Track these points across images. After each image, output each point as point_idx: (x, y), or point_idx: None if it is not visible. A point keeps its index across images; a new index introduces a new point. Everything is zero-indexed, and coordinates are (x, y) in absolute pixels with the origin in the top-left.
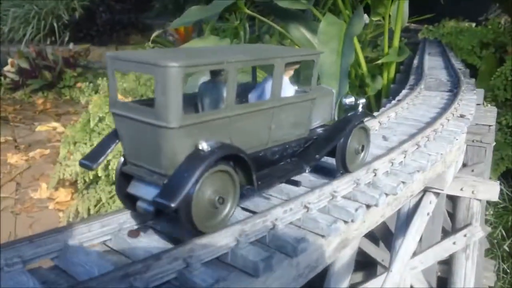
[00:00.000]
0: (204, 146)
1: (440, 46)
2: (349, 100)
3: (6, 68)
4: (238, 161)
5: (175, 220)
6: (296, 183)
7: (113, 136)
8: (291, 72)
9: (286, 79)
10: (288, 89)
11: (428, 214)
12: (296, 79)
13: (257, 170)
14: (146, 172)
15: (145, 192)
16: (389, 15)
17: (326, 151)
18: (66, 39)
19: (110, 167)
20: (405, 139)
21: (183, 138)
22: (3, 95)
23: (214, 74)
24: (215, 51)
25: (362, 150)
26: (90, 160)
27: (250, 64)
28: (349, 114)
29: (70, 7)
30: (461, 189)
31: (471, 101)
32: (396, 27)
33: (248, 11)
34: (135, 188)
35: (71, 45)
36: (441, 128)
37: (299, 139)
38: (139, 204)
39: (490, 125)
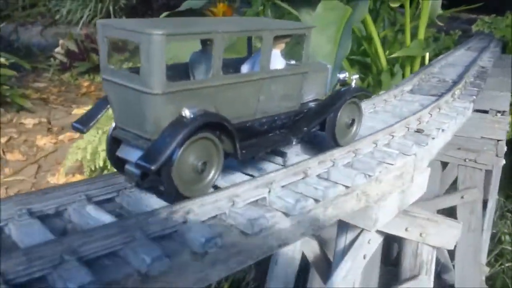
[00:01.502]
0: (186, 113)
1: (491, 41)
2: (343, 75)
3: (56, 50)
4: (223, 130)
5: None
6: (282, 154)
7: (105, 101)
8: (283, 46)
9: (277, 52)
10: (278, 62)
11: (364, 256)
12: (291, 53)
13: (244, 140)
14: (133, 137)
15: (132, 155)
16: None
17: (315, 125)
18: None
19: None
20: (299, 162)
21: (167, 104)
22: (52, 77)
23: (205, 44)
24: (205, 22)
25: (352, 125)
26: (81, 123)
27: (237, 35)
28: (341, 89)
29: None
30: (406, 229)
31: (457, 111)
32: (421, 17)
33: None
34: (123, 152)
35: None
36: (372, 148)
37: (289, 112)
38: (127, 167)
39: (499, 140)
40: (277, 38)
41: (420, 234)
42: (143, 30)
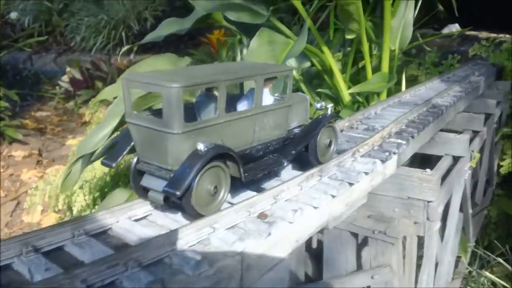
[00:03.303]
0: (201, 147)
1: (483, 68)
2: (320, 104)
3: (63, 78)
4: (229, 158)
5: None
6: (277, 174)
7: (128, 139)
8: (271, 85)
9: (266, 90)
10: (268, 98)
11: None
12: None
13: (244, 165)
14: (156, 169)
15: (155, 184)
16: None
17: (301, 148)
18: (135, 49)
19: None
20: None
21: (185, 141)
22: (57, 105)
23: (208, 89)
24: (208, 72)
25: (330, 145)
26: (109, 159)
27: (237, 82)
28: (319, 116)
29: (141, 17)
30: None
31: (348, 177)
32: (384, 47)
33: (227, 24)
34: (147, 181)
35: (131, 56)
36: (171, 251)
37: (278, 138)
38: (151, 194)
39: (428, 201)
40: (267, 80)
41: None
42: (164, 84)
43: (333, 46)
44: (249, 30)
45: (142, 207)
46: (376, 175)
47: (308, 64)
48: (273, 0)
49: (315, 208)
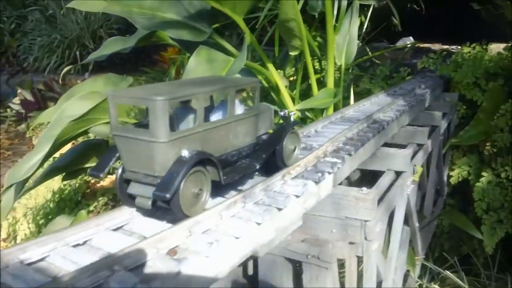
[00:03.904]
0: (185, 153)
1: (430, 80)
2: (283, 112)
3: (14, 100)
4: (209, 163)
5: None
6: (251, 176)
7: (113, 150)
8: (241, 96)
9: (237, 101)
10: (239, 108)
11: None
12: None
13: (222, 169)
14: (143, 176)
15: (143, 190)
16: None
17: (270, 152)
18: (90, 67)
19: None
20: None
21: (170, 149)
22: (9, 128)
23: (184, 102)
24: (186, 86)
25: (295, 149)
26: (97, 170)
27: (212, 93)
28: (284, 124)
29: (97, 36)
30: None
31: (275, 202)
32: (328, 63)
33: (172, 42)
34: (134, 189)
35: (86, 75)
36: None
37: (249, 145)
38: (138, 200)
39: (365, 220)
40: (237, 91)
41: None
42: (150, 98)
43: (290, 61)
44: (193, 48)
45: (37, 248)
46: (309, 197)
47: None
48: (223, 16)
49: (237, 238)
